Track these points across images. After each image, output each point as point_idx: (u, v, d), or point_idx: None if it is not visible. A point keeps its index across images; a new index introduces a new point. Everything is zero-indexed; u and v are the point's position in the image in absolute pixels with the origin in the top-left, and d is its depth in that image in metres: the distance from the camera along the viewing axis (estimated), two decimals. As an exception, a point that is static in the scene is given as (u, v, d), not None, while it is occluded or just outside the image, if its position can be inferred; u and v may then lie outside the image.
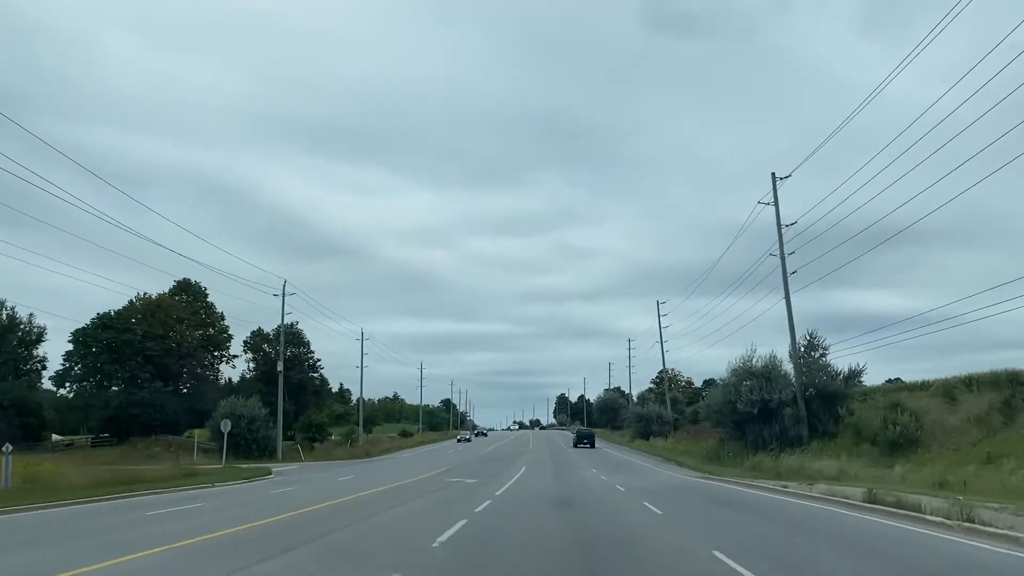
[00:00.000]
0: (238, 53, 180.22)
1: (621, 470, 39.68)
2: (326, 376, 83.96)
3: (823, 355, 41.69)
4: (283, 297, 57.81)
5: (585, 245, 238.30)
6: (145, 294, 63.73)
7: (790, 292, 40.48)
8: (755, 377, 40.55)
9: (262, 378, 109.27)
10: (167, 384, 62.28)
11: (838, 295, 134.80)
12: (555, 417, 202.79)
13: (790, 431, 38.78)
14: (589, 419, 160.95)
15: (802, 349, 40.52)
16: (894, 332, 41.85)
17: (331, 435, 75.47)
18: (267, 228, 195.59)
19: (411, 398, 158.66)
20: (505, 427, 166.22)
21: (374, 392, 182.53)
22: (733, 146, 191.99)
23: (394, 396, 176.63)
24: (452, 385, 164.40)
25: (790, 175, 40.88)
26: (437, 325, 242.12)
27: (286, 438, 65.74)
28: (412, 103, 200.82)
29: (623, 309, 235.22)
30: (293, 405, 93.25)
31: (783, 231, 40.76)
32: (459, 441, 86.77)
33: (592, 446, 68.87)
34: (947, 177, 25.15)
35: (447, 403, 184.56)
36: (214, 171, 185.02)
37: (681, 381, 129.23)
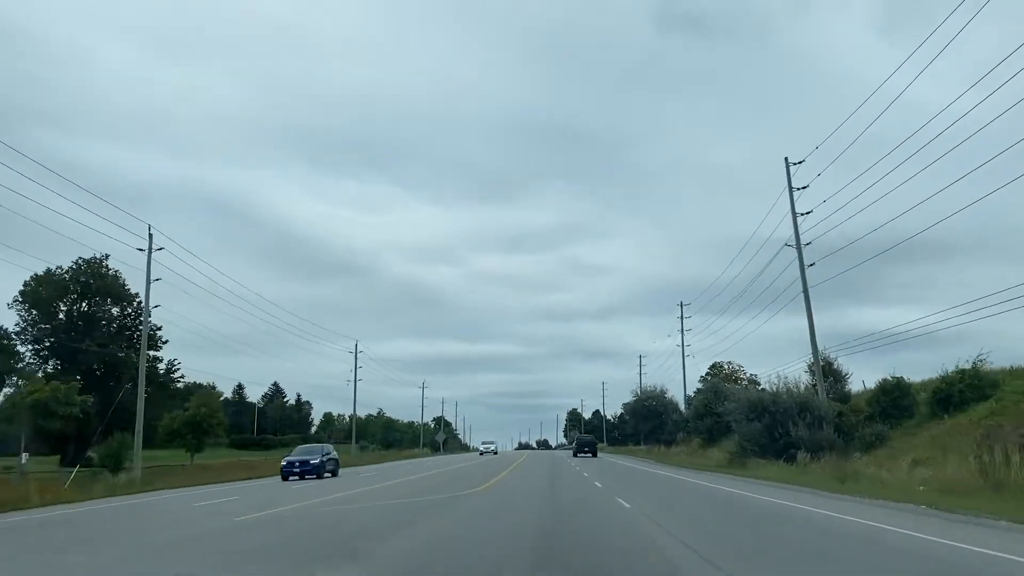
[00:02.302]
0: (237, 62, 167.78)
1: None
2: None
3: None
4: None
5: (594, 261, 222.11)
6: None
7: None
8: None
9: (58, 352, 63.60)
10: None
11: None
12: (565, 436, 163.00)
13: None
14: (612, 435, 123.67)
15: None
16: None
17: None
18: (267, 244, 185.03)
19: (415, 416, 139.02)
20: (488, 448, 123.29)
21: (368, 410, 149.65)
22: (749, 153, 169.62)
23: (379, 413, 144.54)
24: (423, 386, 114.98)
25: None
26: (443, 345, 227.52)
27: None
28: (416, 113, 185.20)
29: (635, 327, 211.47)
30: (98, 401, 48.39)
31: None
32: None
33: (594, 455, 67.00)
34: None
35: (439, 421, 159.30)
36: (211, 185, 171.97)
37: (743, 378, 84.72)
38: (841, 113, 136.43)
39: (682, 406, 73.06)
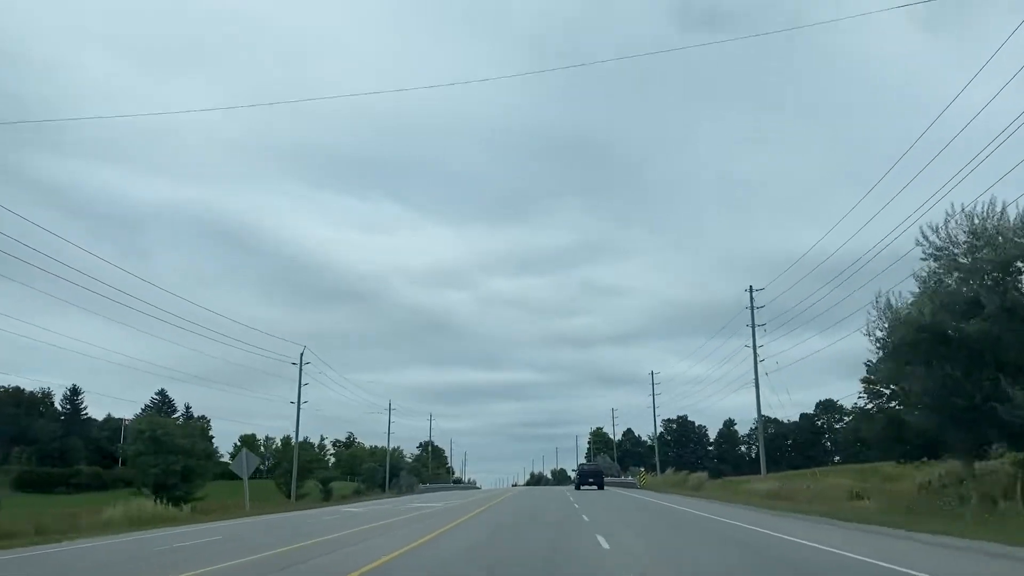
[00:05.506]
0: (235, 78, 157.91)
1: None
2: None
3: None
4: None
5: (612, 282, 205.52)
6: None
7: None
8: None
9: None
10: None
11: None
12: (586, 460, 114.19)
13: None
14: (683, 461, 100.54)
15: None
16: None
17: None
18: (270, 271, 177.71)
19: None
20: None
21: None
22: (777, 165, 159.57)
23: (348, 438, 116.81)
24: (300, 369, 59.32)
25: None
26: (454, 374, 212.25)
27: None
28: (422, 128, 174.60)
29: (656, 352, 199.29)
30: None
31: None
32: None
33: (600, 487, 57.22)
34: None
35: (426, 446, 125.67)
36: (204, 205, 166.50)
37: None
38: (878, 119, 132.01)
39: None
